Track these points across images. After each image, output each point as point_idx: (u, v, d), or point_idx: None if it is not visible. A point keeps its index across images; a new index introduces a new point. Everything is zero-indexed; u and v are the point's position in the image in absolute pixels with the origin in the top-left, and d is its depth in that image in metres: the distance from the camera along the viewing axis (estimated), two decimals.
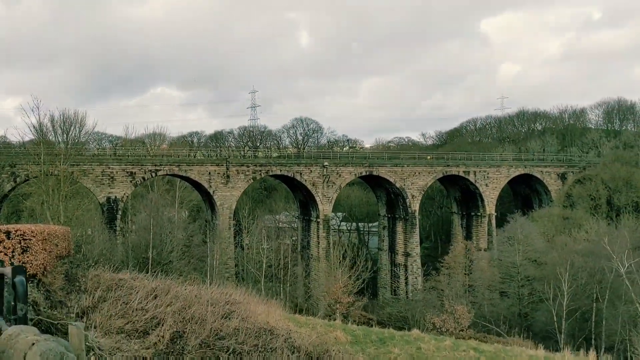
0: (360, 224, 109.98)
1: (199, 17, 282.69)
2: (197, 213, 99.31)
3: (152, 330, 21.91)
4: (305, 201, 79.46)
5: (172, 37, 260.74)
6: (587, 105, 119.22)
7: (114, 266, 46.85)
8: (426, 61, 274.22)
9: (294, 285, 60.91)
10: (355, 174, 77.76)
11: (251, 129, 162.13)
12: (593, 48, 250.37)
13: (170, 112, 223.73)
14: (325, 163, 75.77)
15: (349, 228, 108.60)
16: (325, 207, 75.64)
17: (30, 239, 18.51)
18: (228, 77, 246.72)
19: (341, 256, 48.45)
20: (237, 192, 72.29)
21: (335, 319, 35.01)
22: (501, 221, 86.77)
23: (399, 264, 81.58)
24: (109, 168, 65.12)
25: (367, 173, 77.90)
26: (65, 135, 51.65)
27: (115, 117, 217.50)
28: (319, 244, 75.93)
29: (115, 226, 63.53)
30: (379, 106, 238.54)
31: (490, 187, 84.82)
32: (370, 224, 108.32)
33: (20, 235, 18.26)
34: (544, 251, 55.55)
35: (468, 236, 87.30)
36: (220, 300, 27.07)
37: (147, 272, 47.13)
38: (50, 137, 43.78)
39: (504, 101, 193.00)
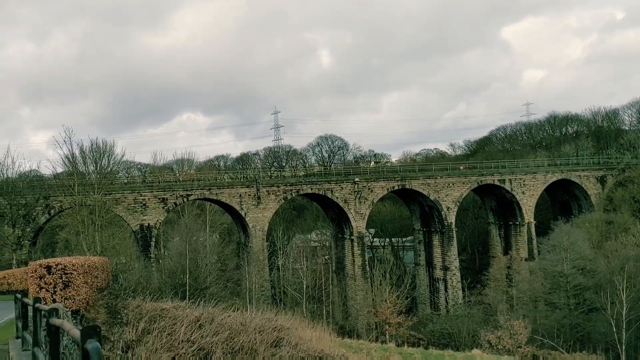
0: (393, 239, 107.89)
1: (221, 42, 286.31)
2: (228, 236, 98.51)
3: None
4: (338, 219, 78.07)
5: (195, 64, 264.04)
6: (618, 105, 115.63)
7: (152, 295, 46.09)
8: (448, 72, 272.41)
9: (331, 306, 59.20)
10: (387, 189, 76.21)
11: (277, 149, 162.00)
12: (618, 48, 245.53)
13: (197, 137, 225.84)
14: (356, 179, 74.45)
15: (382, 244, 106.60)
16: (358, 224, 74.15)
17: (71, 273, 17.58)
18: (251, 100, 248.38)
19: (381, 274, 46.70)
20: (268, 213, 71.33)
21: (384, 341, 33.39)
22: (540, 229, 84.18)
23: (438, 278, 79.38)
24: (141, 195, 64.81)
25: (400, 187, 76.31)
26: (94, 165, 51.42)
27: (143, 146, 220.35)
28: (354, 261, 74.31)
29: (150, 253, 63.03)
30: (401, 120, 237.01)
31: (527, 194, 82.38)
32: (403, 239, 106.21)
33: (62, 269, 17.34)
34: (592, 258, 53.06)
35: (507, 246, 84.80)
36: (266, 326, 25.79)
37: (185, 299, 46.38)
38: (81, 168, 43.38)
39: (530, 107, 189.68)
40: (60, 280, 17.20)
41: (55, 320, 7.33)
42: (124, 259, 50.14)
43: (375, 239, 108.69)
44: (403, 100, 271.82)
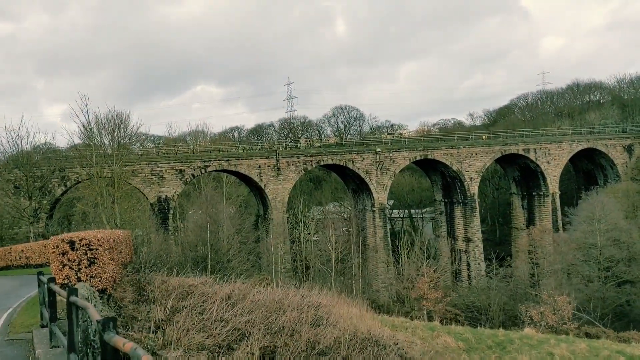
0: (412, 211, 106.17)
1: (236, 12, 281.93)
2: (245, 209, 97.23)
3: (237, 344, 19.22)
4: (359, 190, 76.31)
5: (210, 34, 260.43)
6: None
7: (173, 269, 44.77)
8: (465, 41, 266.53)
9: (354, 279, 57.81)
10: (409, 159, 74.16)
11: (292, 120, 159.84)
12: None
13: (211, 109, 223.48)
14: (378, 149, 72.40)
15: (401, 215, 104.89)
16: (380, 195, 72.39)
17: (97, 249, 15.92)
18: (266, 70, 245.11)
19: (408, 246, 44.91)
20: (288, 184, 69.68)
21: (420, 317, 31.82)
22: (563, 200, 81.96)
23: (460, 250, 77.68)
24: (158, 167, 63.32)
25: (422, 157, 74.19)
26: (111, 135, 49.75)
27: (158, 118, 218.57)
28: (375, 233, 72.77)
29: (168, 226, 61.79)
30: (418, 90, 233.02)
31: (552, 164, 79.98)
32: (422, 210, 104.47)
33: (86, 244, 15.67)
34: (626, 229, 50.95)
35: (530, 217, 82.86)
36: (302, 304, 24.25)
37: (207, 272, 45.12)
38: (97, 138, 41.74)
39: (546, 76, 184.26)
40: (85, 257, 15.57)
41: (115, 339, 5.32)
42: (141, 232, 48.92)
43: (393, 211, 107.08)
44: (420, 70, 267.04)
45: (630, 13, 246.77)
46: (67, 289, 6.93)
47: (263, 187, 68.05)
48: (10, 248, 46.15)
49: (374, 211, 72.56)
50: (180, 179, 64.58)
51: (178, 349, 19.17)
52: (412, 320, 27.65)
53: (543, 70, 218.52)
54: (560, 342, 22.96)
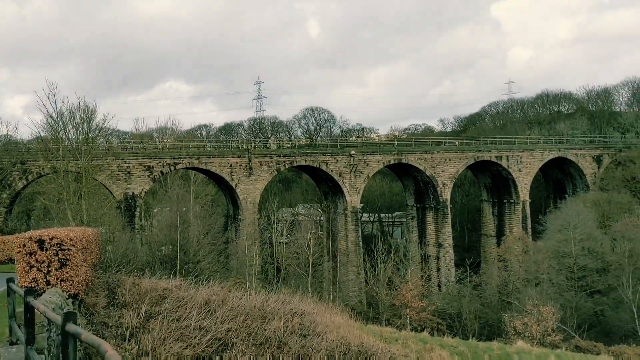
0: (382, 215, 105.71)
1: (207, 10, 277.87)
2: (213, 208, 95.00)
3: (218, 356, 17.78)
4: (331, 192, 75.21)
5: (180, 31, 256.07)
6: (610, 85, 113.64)
7: (140, 269, 42.71)
8: (436, 48, 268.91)
9: (328, 283, 56.63)
10: (383, 163, 73.45)
11: (262, 120, 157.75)
12: (606, 30, 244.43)
13: (179, 106, 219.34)
14: (352, 152, 71.50)
15: (371, 219, 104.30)
16: (353, 198, 71.42)
17: (69, 249, 14.30)
18: (236, 69, 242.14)
19: (384, 251, 43.96)
20: (260, 184, 68.10)
21: (403, 326, 30.78)
22: (532, 208, 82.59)
23: (430, 255, 77.34)
24: (125, 163, 60.94)
25: (396, 161, 73.61)
26: (80, 126, 47.19)
27: (124, 113, 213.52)
28: (347, 237, 71.74)
29: (134, 224, 59.43)
30: (387, 95, 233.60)
31: (524, 172, 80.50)
32: (392, 215, 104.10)
33: (57, 244, 14.04)
34: (600, 239, 51.18)
35: (500, 224, 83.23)
36: (284, 311, 22.90)
37: (175, 274, 43.22)
38: (65, 129, 39.36)
39: (513, 86, 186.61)
40: (56, 258, 13.93)
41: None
42: (104, 229, 46.64)
43: (363, 214, 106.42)
44: (390, 75, 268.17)
45: (595, 28, 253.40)
46: (63, 315, 5.52)
47: (234, 186, 66.31)
48: None
49: (346, 214, 71.56)
50: (149, 176, 62.33)
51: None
52: (400, 330, 26.62)
53: (510, 79, 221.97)
54: (562, 358, 22.20)
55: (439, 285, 74.89)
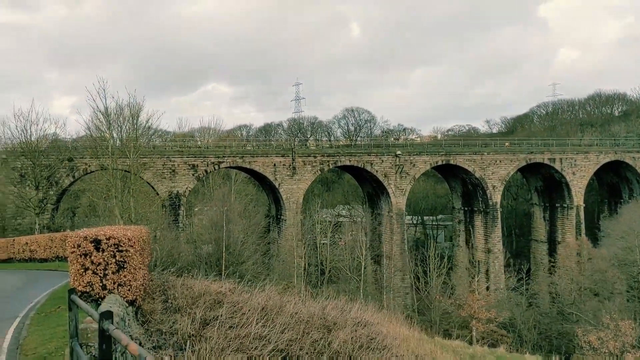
0: (425, 217, 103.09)
1: (251, 13, 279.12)
2: (256, 208, 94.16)
3: None
4: (375, 194, 73.31)
5: (224, 33, 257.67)
6: None
7: (188, 269, 41.72)
8: (480, 49, 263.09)
9: (384, 289, 54.63)
10: (430, 164, 71.09)
11: (301, 120, 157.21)
12: None
13: (220, 107, 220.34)
14: (399, 152, 69.43)
15: (413, 222, 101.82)
16: (398, 200, 69.35)
17: (127, 250, 12.97)
18: (277, 71, 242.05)
19: (436, 256, 41.80)
20: (303, 184, 66.71)
21: (469, 339, 28.79)
22: (585, 213, 78.90)
23: (479, 261, 74.43)
24: (170, 161, 60.45)
25: (444, 162, 71.15)
26: (124, 125, 46.60)
27: (168, 114, 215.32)
28: (392, 239, 69.63)
29: (178, 222, 58.84)
30: (428, 96, 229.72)
31: (578, 175, 76.87)
32: (438, 217, 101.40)
33: (115, 245, 12.73)
34: None
35: (552, 230, 79.82)
36: (345, 319, 21.25)
37: (220, 275, 42.15)
38: (113, 127, 38.73)
39: (558, 87, 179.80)
40: (113, 260, 12.64)
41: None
42: (151, 229, 45.93)
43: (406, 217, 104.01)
44: (431, 76, 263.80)
45: None
46: (99, 313, 4.15)
47: (277, 186, 65.10)
48: (14, 240, 43.26)
49: (391, 216, 69.51)
50: (193, 174, 61.71)
51: None
52: (470, 344, 24.72)
53: (554, 81, 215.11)
54: None
55: (472, 292, 71.98)
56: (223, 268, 45.16)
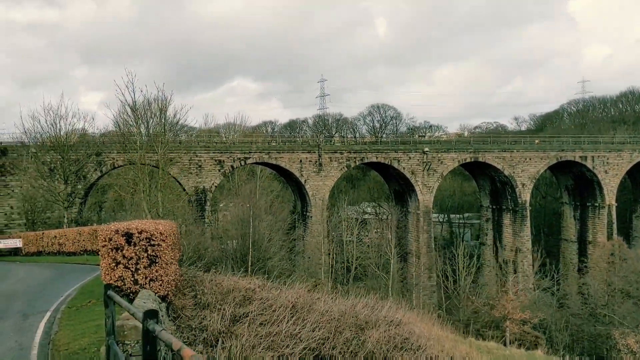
0: (451, 216, 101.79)
1: (277, 10, 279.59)
2: (282, 205, 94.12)
3: None
4: (402, 191, 72.50)
5: (251, 30, 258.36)
6: None
7: (211, 264, 41.57)
8: (507, 46, 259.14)
9: (413, 287, 53.86)
10: (458, 161, 69.99)
11: (326, 117, 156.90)
12: None
13: (245, 103, 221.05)
14: (426, 149, 68.48)
15: (439, 219, 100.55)
16: (425, 198, 68.46)
17: (159, 244, 12.64)
18: (302, 67, 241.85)
19: (466, 256, 40.94)
20: (330, 181, 66.24)
21: (505, 340, 28.00)
22: (617, 213, 76.93)
23: (507, 260, 73.18)
24: (197, 156, 60.53)
25: (473, 159, 69.98)
26: (152, 119, 46.53)
27: (194, 110, 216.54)
28: (418, 238, 68.81)
29: (204, 218, 58.90)
30: (454, 93, 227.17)
31: (610, 174, 74.97)
32: (464, 216, 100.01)
33: (147, 239, 12.41)
34: None
35: (582, 229, 77.98)
36: (376, 318, 20.72)
37: (247, 271, 41.93)
38: (141, 121, 38.68)
39: (587, 85, 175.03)
40: (145, 255, 12.32)
41: None
42: (179, 224, 45.94)
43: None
44: (457, 73, 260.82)
45: None
46: (142, 313, 3.76)
47: (303, 182, 64.74)
48: (43, 233, 43.68)
49: (418, 214, 68.65)
50: (219, 170, 61.69)
51: None
52: (506, 346, 24.01)
53: (583, 78, 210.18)
54: None
55: (505, 292, 70.72)
56: (249, 264, 44.98)
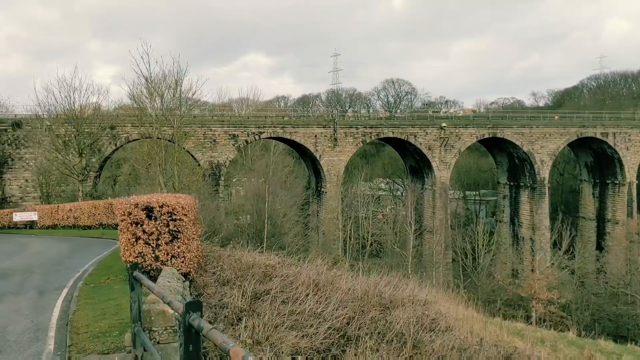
0: (466, 192, 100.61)
1: None
2: (297, 180, 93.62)
3: (342, 351, 15.20)
4: (418, 167, 71.46)
5: (264, 1, 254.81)
6: None
7: (227, 239, 41.12)
8: (525, 19, 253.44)
9: (433, 266, 53.26)
10: (476, 137, 68.69)
11: (340, 92, 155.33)
12: None
13: (258, 78, 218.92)
14: (444, 124, 67.20)
15: (455, 196, 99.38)
16: (442, 174, 67.42)
17: (180, 219, 11.97)
18: (315, 41, 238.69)
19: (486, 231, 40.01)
20: (345, 156, 65.30)
21: (530, 321, 27.30)
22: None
23: (524, 237, 72.33)
24: (211, 130, 59.85)
25: (491, 135, 68.63)
26: (167, 92, 45.54)
27: (207, 85, 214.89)
28: (434, 214, 67.93)
29: (219, 193, 58.45)
30: (470, 68, 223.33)
31: (632, 150, 73.38)
32: (480, 192, 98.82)
33: (168, 213, 11.73)
34: None
35: (601, 207, 76.78)
36: (397, 297, 20.05)
37: (262, 246, 41.49)
38: (157, 92, 37.79)
39: (605, 60, 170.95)
40: (167, 230, 11.66)
41: None
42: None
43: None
44: (474, 47, 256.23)
45: None
46: (184, 304, 3.08)
47: (318, 157, 63.87)
48: (58, 207, 43.43)
49: (434, 191, 67.70)
50: (233, 145, 60.98)
51: (266, 349, 15.27)
52: (537, 326, 23.35)
53: (601, 53, 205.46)
54: None
55: (532, 270, 69.99)
56: (265, 239, 44.54)
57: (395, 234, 55.48)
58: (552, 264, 44.66)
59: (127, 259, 11.78)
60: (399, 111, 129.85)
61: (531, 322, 28.27)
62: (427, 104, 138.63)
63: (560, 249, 62.30)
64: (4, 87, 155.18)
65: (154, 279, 11.00)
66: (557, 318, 32.68)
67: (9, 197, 53.66)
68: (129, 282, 6.22)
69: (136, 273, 6.03)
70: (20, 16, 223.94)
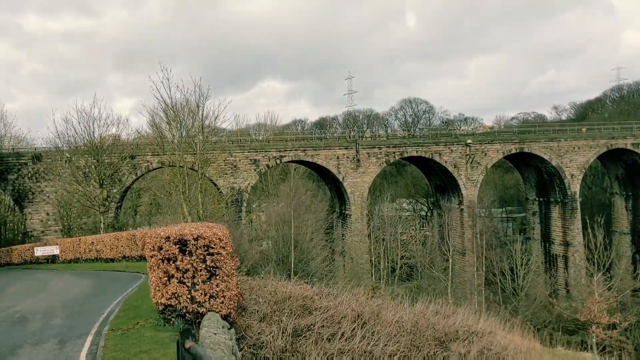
0: (492, 210, 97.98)
1: (305, 8, 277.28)
2: (322, 204, 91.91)
3: None
4: (444, 186, 69.60)
5: (280, 30, 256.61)
6: None
7: (252, 268, 39.60)
8: (540, 35, 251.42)
9: (475, 288, 51.08)
10: (503, 152, 66.78)
11: (356, 113, 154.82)
12: None
13: (275, 104, 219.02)
14: (469, 141, 65.49)
15: (481, 214, 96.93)
16: (469, 192, 65.53)
17: (218, 253, 10.47)
18: (330, 65, 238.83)
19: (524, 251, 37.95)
20: (368, 177, 63.78)
21: (587, 346, 25.29)
22: None
23: (557, 254, 69.76)
24: (232, 156, 58.76)
25: (518, 150, 66.70)
26: (182, 123, 44.29)
27: (225, 112, 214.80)
28: (463, 234, 65.85)
29: (241, 219, 57.08)
30: (486, 85, 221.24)
31: None
32: (506, 209, 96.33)
33: (204, 247, 10.25)
34: None
35: (635, 220, 74.01)
36: (450, 328, 18.27)
37: (290, 274, 39.83)
38: (179, 118, 36.73)
39: (623, 72, 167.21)
40: (204, 266, 10.17)
41: None
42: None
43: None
44: (490, 65, 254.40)
45: None
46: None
47: (341, 180, 62.40)
48: (80, 239, 42.34)
49: (462, 209, 65.74)
50: (255, 170, 59.82)
51: None
52: (600, 354, 21.41)
53: (618, 65, 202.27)
54: None
55: (566, 287, 67.28)
56: (292, 267, 42.93)
57: (425, 256, 53.42)
58: (611, 286, 41.60)
59: (159, 301, 10.32)
60: (417, 130, 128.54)
61: (590, 348, 26.16)
62: (446, 122, 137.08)
63: (594, 266, 59.66)
64: (25, 122, 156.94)
65: (190, 323, 9.49)
66: (615, 343, 30.30)
67: (31, 232, 52.88)
68: (178, 354, 4.73)
69: (192, 346, 4.49)
70: (42, 52, 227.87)
